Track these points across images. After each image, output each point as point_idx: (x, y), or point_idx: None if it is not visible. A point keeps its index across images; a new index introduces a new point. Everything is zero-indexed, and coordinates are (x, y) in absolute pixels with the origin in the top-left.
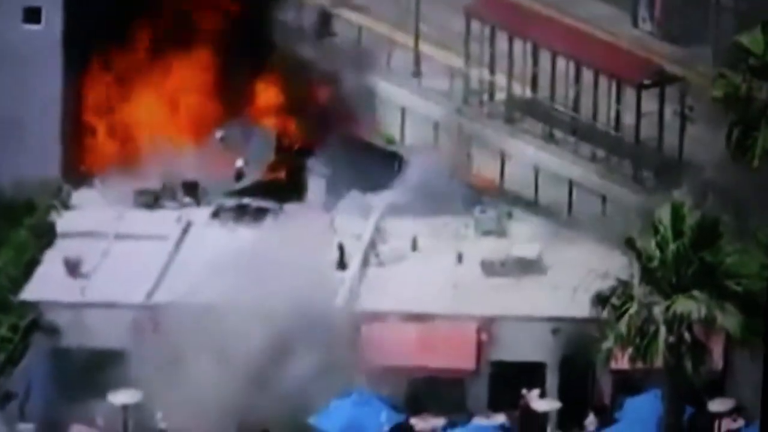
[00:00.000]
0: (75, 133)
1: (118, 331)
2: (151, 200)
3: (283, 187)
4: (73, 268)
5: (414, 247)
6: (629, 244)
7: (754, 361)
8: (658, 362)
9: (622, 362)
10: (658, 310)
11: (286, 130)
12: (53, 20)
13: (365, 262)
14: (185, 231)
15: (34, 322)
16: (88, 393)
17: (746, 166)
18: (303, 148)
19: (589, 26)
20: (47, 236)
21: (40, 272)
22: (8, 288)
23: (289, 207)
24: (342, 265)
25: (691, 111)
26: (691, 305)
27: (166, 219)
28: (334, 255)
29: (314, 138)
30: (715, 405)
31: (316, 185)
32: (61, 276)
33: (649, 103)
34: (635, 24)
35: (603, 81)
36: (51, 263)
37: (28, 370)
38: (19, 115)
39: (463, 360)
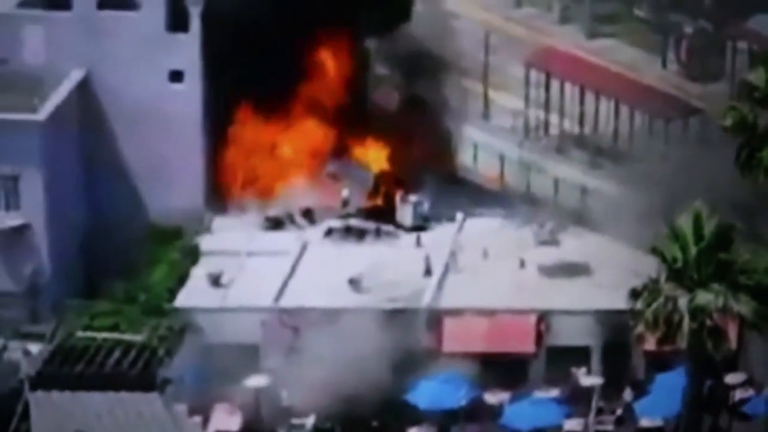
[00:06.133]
0: (213, 173)
1: (252, 329)
2: (275, 224)
3: (380, 211)
4: (215, 280)
5: (485, 255)
6: (655, 251)
7: (765, 342)
8: (683, 344)
9: (653, 345)
10: (682, 302)
11: (382, 164)
12: (194, 81)
13: (446, 270)
14: (303, 248)
15: (185, 324)
16: (228, 379)
17: (754, 181)
18: (395, 179)
19: (625, 69)
20: (194, 255)
21: (189, 284)
22: (165, 297)
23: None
24: (428, 272)
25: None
26: (710, 297)
27: (287, 239)
28: (421, 264)
29: (405, 171)
30: (730, 378)
31: (406, 210)
32: (206, 287)
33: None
34: (664, 65)
35: (637, 115)
36: (197, 277)
37: (182, 362)
38: (167, 159)
39: (525, 345)
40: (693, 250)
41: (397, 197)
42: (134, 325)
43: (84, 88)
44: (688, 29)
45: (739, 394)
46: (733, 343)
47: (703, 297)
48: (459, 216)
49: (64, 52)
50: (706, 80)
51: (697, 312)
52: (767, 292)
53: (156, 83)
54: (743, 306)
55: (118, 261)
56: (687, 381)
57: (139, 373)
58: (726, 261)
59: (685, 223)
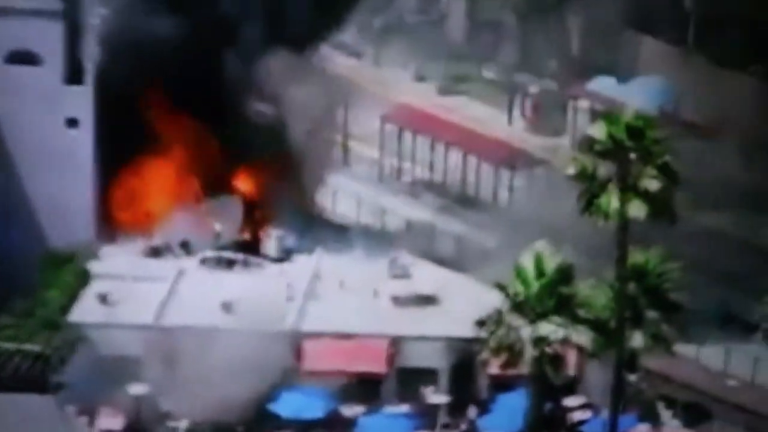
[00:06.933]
0: (103, 207)
1: (134, 343)
2: (156, 253)
3: (249, 244)
4: (102, 299)
5: (342, 285)
6: (498, 286)
7: (601, 369)
8: (525, 369)
9: (496, 369)
10: (524, 332)
11: (251, 202)
12: (87, 127)
13: (307, 297)
14: (181, 274)
15: (77, 337)
16: (112, 385)
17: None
18: (262, 216)
19: (474, 123)
20: (85, 278)
21: (81, 302)
22: (59, 313)
23: (253, 258)
24: (290, 299)
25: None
26: (550, 328)
27: (167, 266)
28: (284, 292)
29: (272, 209)
30: (569, 401)
31: (270, 243)
32: (95, 305)
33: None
34: (510, 121)
35: (484, 165)
36: (88, 296)
37: (73, 369)
38: (63, 194)
39: (377, 366)
40: (534, 285)
41: (263, 232)
42: (32, 336)
43: None
44: (534, 89)
45: (577, 416)
46: (571, 369)
47: (544, 328)
48: (319, 250)
49: None
50: (549, 134)
51: (538, 341)
52: (605, 325)
53: (55, 128)
54: (582, 336)
55: (18, 281)
56: (528, 402)
57: (36, 378)
58: (566, 295)
59: (527, 260)
